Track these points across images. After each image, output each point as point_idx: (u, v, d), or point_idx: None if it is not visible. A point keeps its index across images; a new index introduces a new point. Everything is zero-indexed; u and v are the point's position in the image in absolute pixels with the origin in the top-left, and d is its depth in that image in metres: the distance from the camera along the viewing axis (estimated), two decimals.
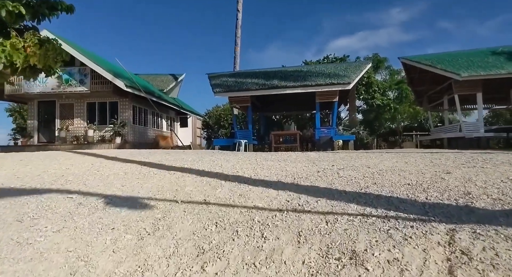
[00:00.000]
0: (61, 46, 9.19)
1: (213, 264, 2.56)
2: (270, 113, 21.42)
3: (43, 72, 9.35)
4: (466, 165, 5.37)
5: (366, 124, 23.40)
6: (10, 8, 6.62)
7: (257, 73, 15.29)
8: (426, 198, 3.51)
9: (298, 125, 20.97)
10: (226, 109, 26.49)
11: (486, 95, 13.04)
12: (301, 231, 2.92)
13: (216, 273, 2.46)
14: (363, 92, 21.05)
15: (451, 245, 2.44)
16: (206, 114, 29.72)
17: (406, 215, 3.09)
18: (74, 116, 17.10)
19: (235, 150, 13.10)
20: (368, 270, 2.27)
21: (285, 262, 2.50)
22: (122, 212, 3.59)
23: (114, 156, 7.82)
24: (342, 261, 2.41)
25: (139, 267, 2.61)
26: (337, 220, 3.07)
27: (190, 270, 2.53)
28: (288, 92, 13.89)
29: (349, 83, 13.18)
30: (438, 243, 2.49)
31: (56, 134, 16.90)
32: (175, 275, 2.49)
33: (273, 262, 2.51)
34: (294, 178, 4.78)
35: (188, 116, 24.32)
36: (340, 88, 13.32)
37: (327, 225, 3.00)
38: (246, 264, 2.53)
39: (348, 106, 21.76)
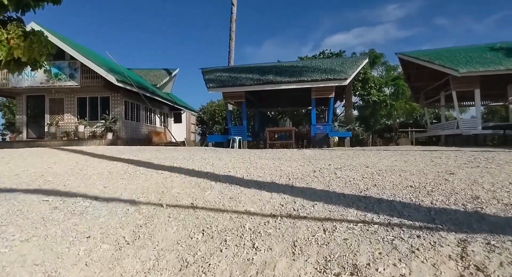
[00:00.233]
0: (48, 39, 8.78)
1: None
2: (265, 109, 21.11)
3: (28, 66, 9.00)
4: (468, 165, 5.13)
5: (362, 121, 23.21)
6: None
7: (251, 68, 14.95)
8: (431, 203, 3.24)
9: (294, 121, 20.71)
10: (221, 105, 26.10)
11: (482, 92, 12.82)
12: (296, 241, 2.64)
13: None
14: (359, 88, 20.80)
15: (463, 259, 2.18)
16: (200, 110, 29.33)
17: (411, 222, 2.82)
18: (64, 111, 16.63)
19: (229, 147, 12.80)
20: None
21: None
22: (100, 217, 3.28)
23: (101, 153, 7.49)
24: None
25: None
26: (336, 228, 2.79)
27: None
28: (284, 88, 13.58)
29: (346, 79, 12.90)
30: (449, 256, 2.22)
31: (45, 130, 16.45)
32: None
33: None
34: (289, 179, 4.49)
35: (182, 112, 23.91)
36: (336, 84, 13.04)
37: (324, 233, 2.73)
38: None
39: (344, 102, 21.55)
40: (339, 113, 24.78)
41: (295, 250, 2.52)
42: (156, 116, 20.99)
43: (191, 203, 3.59)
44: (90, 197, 3.88)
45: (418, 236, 2.53)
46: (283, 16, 79.48)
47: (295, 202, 3.49)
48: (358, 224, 2.85)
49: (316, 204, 3.39)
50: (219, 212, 3.33)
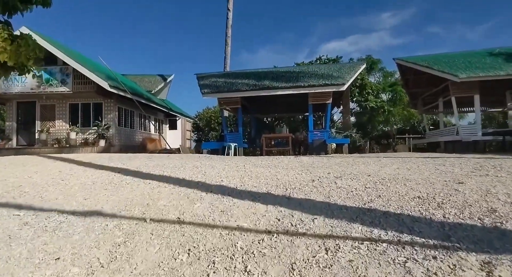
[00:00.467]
0: (36, 42, 8.46)
1: None
2: (261, 115, 20.82)
3: (16, 70, 8.67)
4: (476, 173, 4.83)
5: (359, 127, 22.95)
6: None
7: (247, 73, 14.67)
8: (443, 217, 2.92)
9: (290, 127, 20.39)
10: (217, 111, 25.76)
11: (480, 98, 12.60)
12: (295, 263, 2.31)
13: None
14: (356, 94, 20.58)
15: None
16: (196, 116, 28.98)
17: (424, 239, 2.50)
18: (56, 118, 16.23)
19: (224, 154, 12.45)
20: None
21: None
22: (75, 234, 2.93)
23: (89, 161, 7.12)
24: None
25: None
26: (339, 247, 2.46)
27: None
28: (280, 94, 13.30)
29: (343, 84, 12.65)
30: None
31: (36, 137, 16.03)
32: None
33: None
34: (286, 189, 4.16)
35: (177, 118, 23.56)
36: (334, 90, 12.78)
37: (327, 254, 2.39)
38: None
39: (341, 108, 21.31)
40: (336, 120, 24.53)
41: (293, 274, 2.18)
42: (150, 122, 20.64)
43: (178, 218, 3.24)
44: (66, 211, 3.52)
45: (434, 258, 2.20)
46: (279, 23, 79.83)
47: (292, 216, 3.16)
48: (364, 242, 2.52)
49: (316, 218, 3.06)
50: (208, 228, 2.98)
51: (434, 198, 3.44)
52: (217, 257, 2.46)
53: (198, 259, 2.46)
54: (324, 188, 4.14)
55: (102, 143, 15.14)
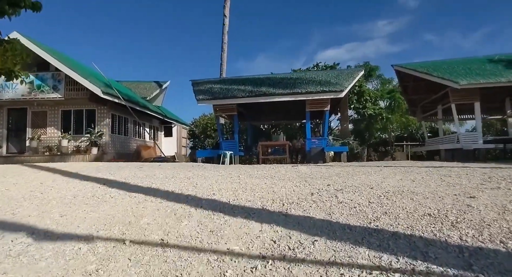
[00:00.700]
0: (25, 47, 8.15)
1: None
2: (258, 122, 20.51)
3: (2, 76, 8.37)
4: (486, 185, 4.51)
5: (357, 134, 22.69)
6: None
7: (244, 80, 14.38)
8: (460, 238, 2.59)
9: (288, 135, 20.07)
10: (213, 118, 25.45)
11: (480, 105, 12.37)
12: None
13: None
14: (354, 101, 20.34)
15: None
16: (192, 123, 28.65)
17: (442, 268, 2.16)
18: (47, 125, 15.84)
19: (220, 163, 12.10)
20: None
21: None
22: (41, 261, 2.56)
23: (75, 171, 6.74)
24: None
25: None
26: None
27: None
28: (277, 100, 13.01)
29: (342, 91, 12.38)
30: None
31: (27, 144, 15.61)
32: None
33: None
34: (283, 204, 3.82)
35: (172, 125, 23.22)
36: (332, 96, 12.50)
37: None
38: None
39: (339, 115, 21.06)
40: (334, 127, 24.27)
41: None
42: (145, 129, 20.27)
43: (161, 239, 2.88)
44: (37, 231, 3.15)
45: None
46: (276, 31, 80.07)
47: (290, 237, 2.81)
48: (373, 272, 2.18)
49: (316, 240, 2.72)
50: (194, 252, 2.63)
51: (446, 216, 3.11)
52: None
53: None
54: (324, 203, 3.81)
55: (94, 151, 14.74)
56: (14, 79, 8.65)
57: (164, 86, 23.25)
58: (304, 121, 15.04)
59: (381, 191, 4.34)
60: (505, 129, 24.58)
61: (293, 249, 2.59)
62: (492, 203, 3.46)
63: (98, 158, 14.39)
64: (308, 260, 2.41)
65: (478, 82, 11.41)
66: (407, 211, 3.33)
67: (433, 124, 22.15)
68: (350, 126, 23.16)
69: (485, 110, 15.97)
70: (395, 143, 23.00)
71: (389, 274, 2.14)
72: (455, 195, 3.96)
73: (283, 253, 2.54)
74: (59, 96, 14.78)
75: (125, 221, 3.34)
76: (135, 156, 17.66)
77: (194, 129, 27.81)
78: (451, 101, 12.67)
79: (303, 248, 2.59)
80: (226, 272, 2.31)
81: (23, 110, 15.86)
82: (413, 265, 2.23)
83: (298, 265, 2.35)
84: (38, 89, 14.75)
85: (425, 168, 7.20)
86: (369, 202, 3.77)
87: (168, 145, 22.96)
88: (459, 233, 2.69)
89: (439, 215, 3.15)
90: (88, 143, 14.93)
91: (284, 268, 2.31)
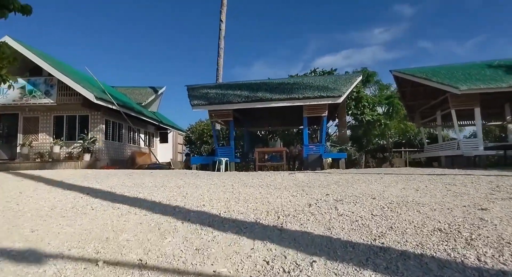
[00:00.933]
0: (14, 51, 7.88)
1: None
2: (254, 128, 20.22)
3: None
4: (496, 195, 4.21)
5: (354, 140, 22.43)
6: None
7: (240, 85, 14.09)
8: (478, 259, 2.28)
9: (285, 141, 19.76)
10: (210, 124, 25.17)
11: (480, 111, 12.15)
12: None
13: None
14: (352, 107, 20.11)
15: None
16: (188, 129, 28.31)
17: None
18: (39, 131, 15.49)
19: (215, 169, 11.76)
20: None
21: None
22: None
23: (60, 180, 6.39)
24: None
25: None
26: None
27: None
28: (274, 106, 12.73)
29: (340, 96, 12.13)
30: None
31: (18, 151, 15.22)
32: None
33: None
34: (278, 217, 3.50)
35: (168, 131, 22.90)
36: (329, 102, 12.25)
37: None
38: None
39: (336, 121, 20.79)
40: (331, 133, 24.02)
41: None
42: (140, 135, 19.93)
43: (140, 260, 2.55)
44: (1, 249, 2.81)
45: None
46: (273, 38, 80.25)
47: (285, 257, 2.49)
48: None
49: (315, 261, 2.39)
50: (176, 276, 2.30)
51: (459, 232, 2.80)
52: None
53: None
54: (323, 215, 3.49)
55: (87, 157, 14.37)
56: (2, 83, 8.35)
57: (160, 92, 22.98)
58: (302, 127, 14.76)
59: (384, 201, 4.03)
60: (503, 135, 24.46)
61: (289, 272, 2.27)
62: (507, 216, 3.15)
63: (90, 165, 14.04)
64: None
65: (479, 87, 11.20)
66: (414, 226, 3.02)
67: (431, 130, 21.94)
68: (348, 132, 22.92)
69: (484, 116, 15.77)
70: (393, 149, 22.75)
71: None
72: (464, 206, 3.66)
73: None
74: (52, 101, 14.47)
75: (102, 237, 3.01)
76: (130, 163, 17.31)
77: (191, 135, 27.47)
78: (451, 106, 12.44)
79: (300, 271, 2.27)
80: None
81: (14, 115, 15.51)
82: None
83: None
84: (29, 94, 14.43)
85: (427, 176, 6.91)
86: (372, 214, 3.46)
87: (164, 152, 22.62)
88: (476, 252, 2.38)
89: (450, 231, 2.84)
90: (80, 149, 14.58)
91: None
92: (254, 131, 21.10)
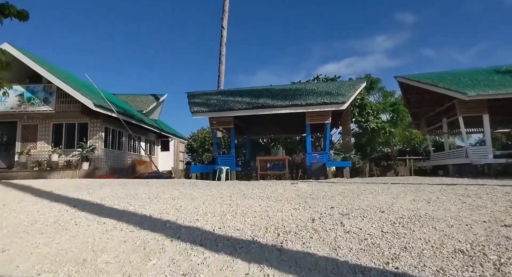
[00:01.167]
0: (11, 56, 7.67)
1: None
2: (256, 136, 19.89)
3: None
4: None
5: (358, 148, 22.01)
6: None
7: (241, 91, 13.80)
8: None
9: (287, 149, 19.40)
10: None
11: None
12: None
13: None
14: (356, 114, 19.75)
15: None
16: (190, 137, 28.05)
17: None
18: (38, 139, 15.22)
19: (215, 178, 11.42)
20: None
21: None
22: None
23: (49, 190, 6.08)
24: None
25: None
26: None
27: None
28: (276, 113, 12.41)
29: (344, 103, 11.80)
30: None
31: (16, 159, 14.97)
32: None
33: None
34: (278, 234, 3.15)
35: (170, 139, 22.60)
36: (333, 108, 11.92)
37: None
38: None
39: (340, 128, 20.43)
40: (335, 141, 23.62)
41: None
42: (141, 144, 19.66)
43: None
44: None
45: None
46: (275, 46, 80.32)
47: None
48: None
49: None
50: None
51: (484, 254, 2.44)
52: None
53: None
54: (328, 232, 3.14)
55: (85, 166, 14.07)
56: None
57: (161, 99, 22.77)
58: (305, 134, 14.41)
59: (394, 215, 3.68)
60: (510, 142, 23.96)
61: None
62: None
63: (89, 174, 13.73)
64: None
65: (488, 93, 10.82)
66: (432, 246, 2.66)
67: (437, 138, 21.51)
68: (352, 140, 22.52)
69: (490, 123, 15.40)
70: (398, 157, 22.30)
71: None
72: (485, 222, 3.30)
73: None
74: (50, 109, 14.24)
75: (79, 259, 2.67)
76: (130, 171, 16.99)
77: (192, 143, 27.19)
78: (458, 113, 12.06)
79: None
80: None
81: (12, 123, 15.28)
82: None
83: None
84: (28, 101, 14.21)
85: (437, 186, 6.54)
86: (382, 231, 3.11)
87: (165, 160, 22.30)
88: None
89: (474, 253, 2.48)
90: (79, 158, 14.30)
91: None
92: (256, 139, 20.79)
